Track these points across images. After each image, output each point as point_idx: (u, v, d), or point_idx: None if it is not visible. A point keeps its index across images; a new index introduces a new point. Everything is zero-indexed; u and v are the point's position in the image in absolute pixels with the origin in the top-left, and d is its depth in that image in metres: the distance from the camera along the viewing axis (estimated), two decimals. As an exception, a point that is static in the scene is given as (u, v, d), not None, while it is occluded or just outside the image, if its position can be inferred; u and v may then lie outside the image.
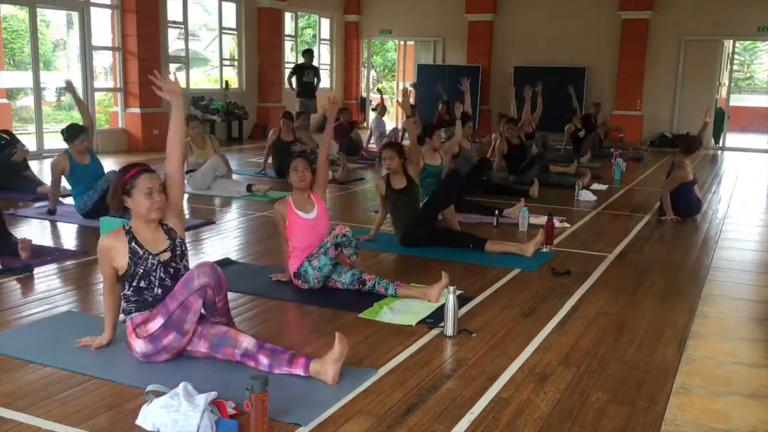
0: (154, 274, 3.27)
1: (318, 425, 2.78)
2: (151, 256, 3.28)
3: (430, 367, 3.38)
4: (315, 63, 14.98)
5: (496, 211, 6.79)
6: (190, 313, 3.18)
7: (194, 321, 3.21)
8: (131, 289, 3.27)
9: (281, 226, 4.62)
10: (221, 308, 3.30)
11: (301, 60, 14.53)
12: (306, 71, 13.62)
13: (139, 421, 2.73)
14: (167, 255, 3.32)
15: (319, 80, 13.88)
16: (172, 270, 3.31)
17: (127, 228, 3.34)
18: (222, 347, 3.23)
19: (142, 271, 3.26)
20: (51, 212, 6.72)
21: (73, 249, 5.54)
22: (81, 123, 6.75)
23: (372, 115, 15.45)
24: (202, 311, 3.27)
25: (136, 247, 3.28)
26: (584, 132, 12.56)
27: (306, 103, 13.25)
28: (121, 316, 3.37)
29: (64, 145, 6.61)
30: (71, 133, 6.55)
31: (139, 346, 3.24)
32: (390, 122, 19.18)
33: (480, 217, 6.90)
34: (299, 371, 3.14)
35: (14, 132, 8.22)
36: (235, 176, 8.90)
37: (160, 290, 3.28)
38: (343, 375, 3.16)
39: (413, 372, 3.32)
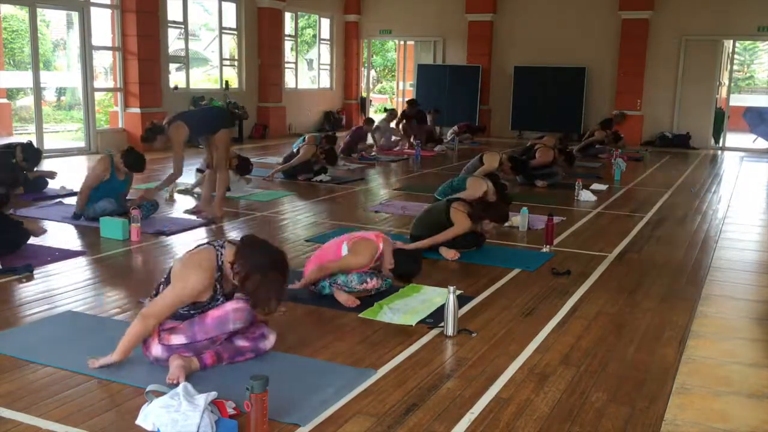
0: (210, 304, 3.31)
1: (318, 425, 2.79)
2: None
3: (430, 367, 3.38)
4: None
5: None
6: (213, 345, 3.26)
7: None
8: (186, 309, 3.26)
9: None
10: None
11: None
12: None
13: (139, 421, 2.73)
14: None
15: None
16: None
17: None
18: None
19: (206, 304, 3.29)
20: (77, 216, 6.33)
21: (73, 249, 5.53)
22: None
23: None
24: None
25: (218, 285, 3.27)
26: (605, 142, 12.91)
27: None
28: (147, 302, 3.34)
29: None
30: (131, 156, 6.38)
31: (156, 350, 3.23)
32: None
33: None
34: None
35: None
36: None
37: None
38: (343, 375, 3.18)
39: (413, 372, 3.32)
